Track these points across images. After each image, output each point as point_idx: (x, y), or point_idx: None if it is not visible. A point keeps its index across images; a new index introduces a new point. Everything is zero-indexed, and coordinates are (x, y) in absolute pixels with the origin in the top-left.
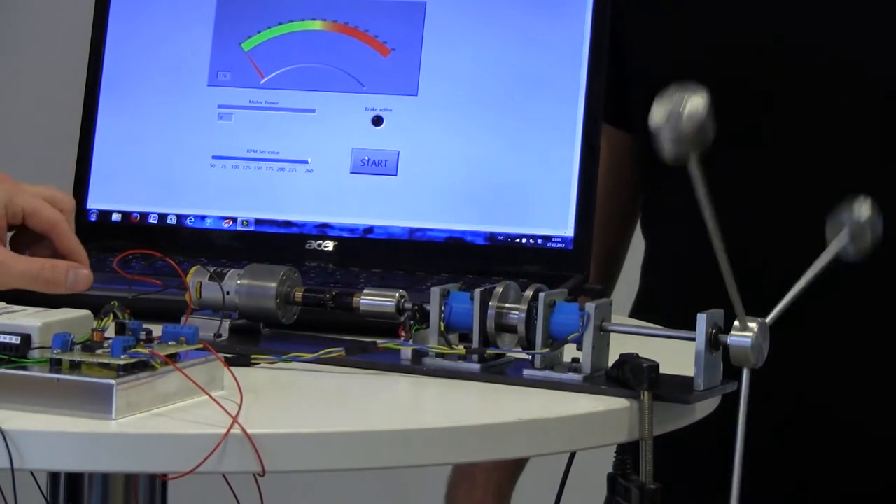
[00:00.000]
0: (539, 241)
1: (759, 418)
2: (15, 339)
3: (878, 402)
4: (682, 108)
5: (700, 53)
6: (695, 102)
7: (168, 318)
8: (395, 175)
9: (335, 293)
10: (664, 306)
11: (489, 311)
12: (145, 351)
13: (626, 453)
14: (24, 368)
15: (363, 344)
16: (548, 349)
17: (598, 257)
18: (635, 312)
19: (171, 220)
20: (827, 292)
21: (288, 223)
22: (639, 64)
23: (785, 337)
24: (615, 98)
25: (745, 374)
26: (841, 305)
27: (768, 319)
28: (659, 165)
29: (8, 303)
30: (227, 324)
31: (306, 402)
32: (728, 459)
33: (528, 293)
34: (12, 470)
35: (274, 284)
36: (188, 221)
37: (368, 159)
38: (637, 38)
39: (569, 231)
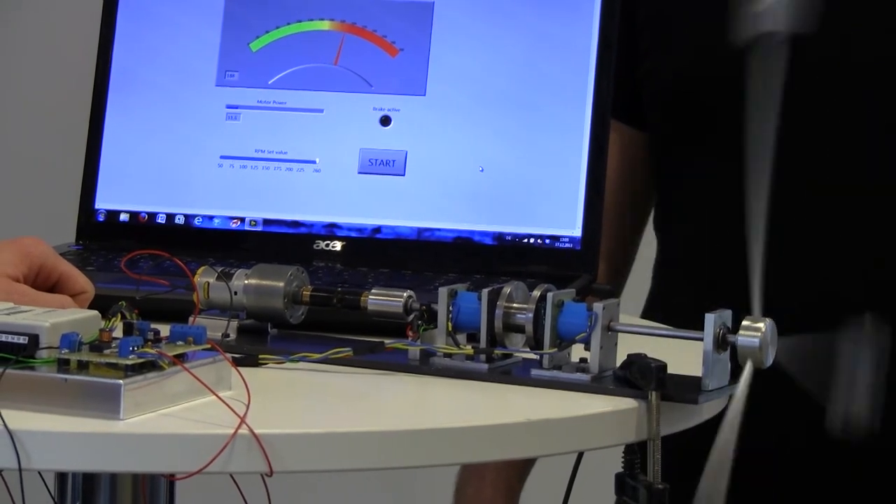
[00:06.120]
0: (547, 241)
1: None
2: (23, 340)
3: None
4: None
5: (709, 52)
6: None
7: (176, 318)
8: (403, 175)
9: (343, 293)
10: (675, 306)
11: (497, 312)
12: (153, 351)
13: (634, 453)
14: (32, 369)
15: (371, 344)
16: (556, 349)
17: (609, 255)
18: (647, 312)
19: (179, 220)
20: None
21: (296, 223)
22: (651, 62)
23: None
24: (629, 96)
25: (748, 370)
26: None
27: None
28: (671, 164)
29: None
30: (234, 324)
31: (314, 403)
32: (735, 460)
33: (536, 293)
34: (20, 470)
35: (281, 284)
36: (196, 221)
37: (376, 159)
38: (649, 35)
39: (577, 231)
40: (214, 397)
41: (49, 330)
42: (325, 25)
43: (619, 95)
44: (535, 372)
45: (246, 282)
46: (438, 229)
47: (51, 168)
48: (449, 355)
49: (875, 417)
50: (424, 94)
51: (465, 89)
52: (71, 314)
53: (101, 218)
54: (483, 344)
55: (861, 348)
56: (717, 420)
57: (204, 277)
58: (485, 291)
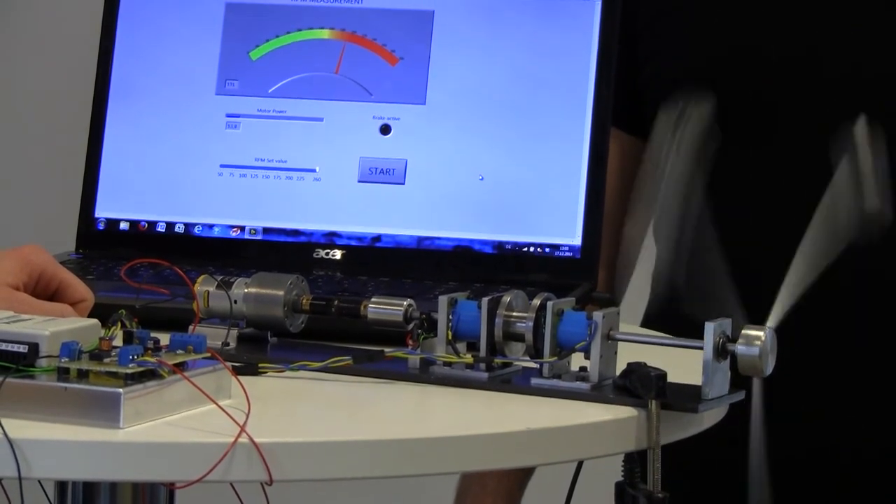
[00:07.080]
0: (547, 249)
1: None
2: (23, 348)
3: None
4: None
5: (709, 60)
6: None
7: (176, 327)
8: (403, 184)
9: (343, 301)
10: (675, 314)
11: (497, 320)
12: (153, 360)
13: (634, 462)
14: (32, 377)
15: (371, 353)
16: (555, 358)
17: (609, 263)
18: (646, 321)
19: (179, 228)
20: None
21: (296, 232)
22: (651, 70)
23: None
24: (628, 103)
25: (757, 382)
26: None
27: (770, 322)
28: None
29: None
30: (234, 332)
31: (314, 411)
32: (735, 468)
33: (536, 302)
34: (20, 479)
35: (281, 293)
36: (196, 230)
37: (376, 168)
38: (649, 43)
39: (576, 240)
40: (214, 406)
41: (49, 339)
42: (326, 34)
43: (618, 103)
44: (534, 381)
45: (246, 290)
46: (438, 238)
47: (51, 176)
48: (449, 364)
49: (886, 204)
50: (424, 103)
51: (465, 98)
52: (71, 323)
53: (101, 226)
54: (483, 353)
55: (856, 151)
56: (715, 428)
57: (204, 286)
58: (485, 300)
